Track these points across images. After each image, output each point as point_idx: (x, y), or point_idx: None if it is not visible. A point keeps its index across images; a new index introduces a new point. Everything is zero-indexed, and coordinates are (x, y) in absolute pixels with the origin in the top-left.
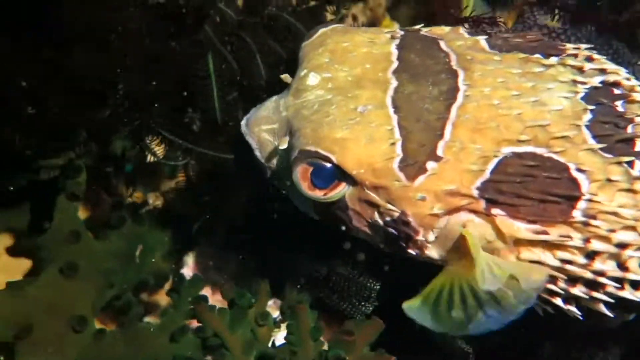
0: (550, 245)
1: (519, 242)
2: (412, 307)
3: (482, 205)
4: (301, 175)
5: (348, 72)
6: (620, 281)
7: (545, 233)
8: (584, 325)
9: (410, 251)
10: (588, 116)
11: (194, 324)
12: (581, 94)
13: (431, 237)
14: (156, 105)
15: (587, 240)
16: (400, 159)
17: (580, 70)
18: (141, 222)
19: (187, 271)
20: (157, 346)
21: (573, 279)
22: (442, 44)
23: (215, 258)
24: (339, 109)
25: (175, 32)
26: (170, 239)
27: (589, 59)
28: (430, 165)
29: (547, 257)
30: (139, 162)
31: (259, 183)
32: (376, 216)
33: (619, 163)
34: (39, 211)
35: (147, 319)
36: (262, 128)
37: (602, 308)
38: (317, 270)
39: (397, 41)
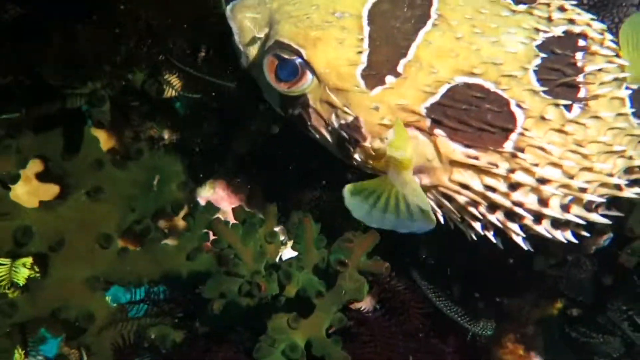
0: (479, 171)
1: (453, 164)
2: (349, 190)
3: (427, 123)
4: (269, 65)
5: None
6: (538, 216)
7: (476, 158)
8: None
9: (357, 156)
10: (537, 61)
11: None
12: (538, 42)
13: (377, 145)
14: (174, 40)
15: (512, 171)
16: (363, 67)
17: (548, 19)
18: (158, 154)
19: (201, 201)
20: (175, 264)
21: (493, 206)
22: None
23: (226, 188)
24: (318, 11)
25: None
26: (184, 170)
27: (561, 9)
28: (389, 79)
29: (475, 181)
30: (156, 97)
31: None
32: (333, 118)
33: (556, 105)
34: (67, 139)
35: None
36: (245, 15)
37: (519, 240)
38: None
39: None
